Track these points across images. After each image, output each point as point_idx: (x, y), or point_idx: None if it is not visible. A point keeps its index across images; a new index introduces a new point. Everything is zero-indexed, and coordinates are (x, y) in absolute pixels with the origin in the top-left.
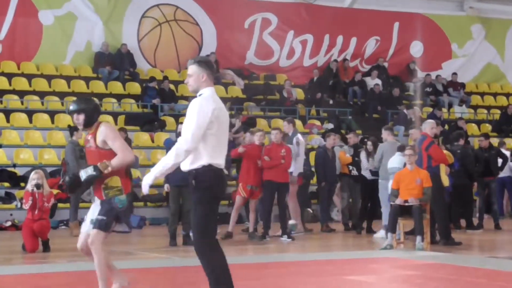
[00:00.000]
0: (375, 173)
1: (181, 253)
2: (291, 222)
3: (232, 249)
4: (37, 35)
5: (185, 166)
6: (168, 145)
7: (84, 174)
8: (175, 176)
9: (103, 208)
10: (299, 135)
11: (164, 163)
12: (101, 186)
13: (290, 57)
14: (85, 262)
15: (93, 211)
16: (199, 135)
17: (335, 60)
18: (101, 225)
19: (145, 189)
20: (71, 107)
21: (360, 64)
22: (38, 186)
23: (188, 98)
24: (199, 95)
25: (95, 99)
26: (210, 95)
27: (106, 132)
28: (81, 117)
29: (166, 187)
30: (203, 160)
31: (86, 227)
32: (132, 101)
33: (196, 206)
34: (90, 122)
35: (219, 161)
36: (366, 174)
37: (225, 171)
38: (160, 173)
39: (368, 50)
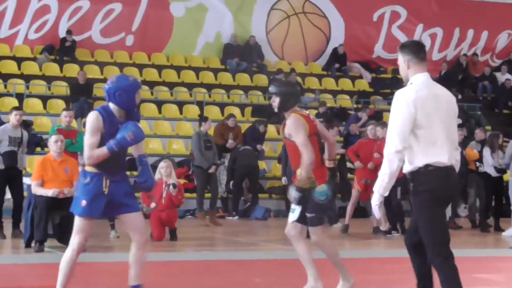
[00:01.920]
0: (500, 170)
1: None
2: None
3: (356, 243)
4: (168, 27)
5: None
6: None
7: (291, 198)
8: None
9: (309, 203)
10: None
11: (382, 175)
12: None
13: None
14: (211, 252)
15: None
16: (405, 132)
17: (465, 54)
18: (313, 222)
19: (377, 212)
20: (270, 89)
21: (490, 58)
22: (174, 185)
23: (315, 91)
24: (410, 84)
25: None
26: (418, 82)
27: (291, 127)
28: (276, 100)
29: (284, 180)
30: (418, 160)
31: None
32: (259, 93)
33: (420, 211)
34: (285, 107)
35: (440, 158)
36: (490, 171)
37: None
38: (382, 188)
39: (499, 44)
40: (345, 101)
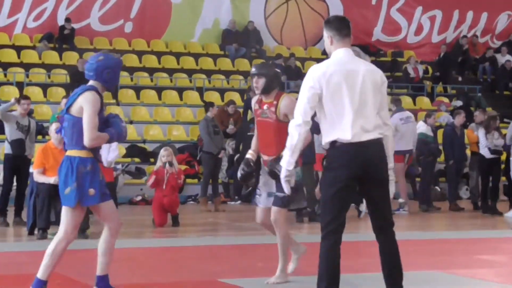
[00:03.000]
0: (495, 151)
1: (308, 229)
2: (400, 200)
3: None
4: (166, 14)
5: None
6: None
7: (279, 169)
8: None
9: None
10: (396, 115)
11: (286, 149)
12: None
13: (418, 34)
14: (213, 237)
15: (268, 183)
16: (306, 106)
17: (465, 36)
18: (284, 203)
19: (285, 187)
20: (253, 70)
21: (490, 40)
22: (170, 163)
23: None
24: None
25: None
26: (332, 58)
27: (290, 107)
28: (260, 81)
29: None
30: (326, 136)
31: (264, 201)
32: None
33: (321, 188)
34: (269, 89)
35: (343, 134)
36: (484, 152)
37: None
38: (286, 162)
39: (499, 26)
40: None
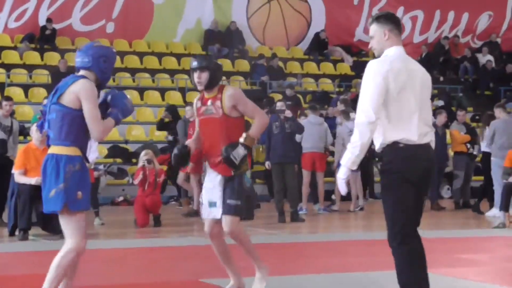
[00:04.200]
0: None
1: (290, 229)
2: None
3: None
4: (148, 14)
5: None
6: (273, 120)
7: (236, 155)
8: (276, 153)
9: (233, 191)
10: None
11: (351, 148)
12: None
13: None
14: (195, 237)
15: (212, 191)
16: (379, 102)
17: (446, 37)
18: (237, 211)
19: (342, 187)
20: (194, 63)
21: (472, 40)
22: (149, 161)
23: (297, 76)
24: (384, 56)
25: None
26: (393, 55)
27: (237, 96)
28: (204, 76)
29: (267, 164)
30: (387, 136)
31: (208, 212)
32: (241, 78)
33: (384, 192)
34: (213, 83)
35: (409, 135)
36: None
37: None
38: (351, 161)
39: (480, 26)
40: (327, 85)
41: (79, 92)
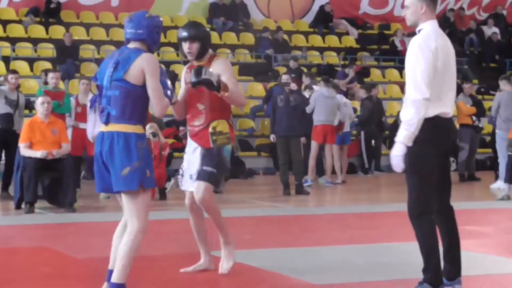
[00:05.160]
0: None
1: (294, 202)
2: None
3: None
4: None
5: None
6: (278, 92)
7: (209, 75)
8: (281, 126)
9: (211, 158)
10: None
11: (407, 125)
12: (207, 130)
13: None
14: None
15: (193, 163)
16: (431, 78)
17: (451, 9)
18: (211, 179)
19: (399, 164)
20: (184, 33)
21: (477, 12)
22: (154, 134)
23: (302, 49)
24: (418, 31)
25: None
26: (431, 30)
27: (225, 67)
28: (195, 46)
29: (272, 137)
30: (428, 111)
31: (189, 184)
32: (246, 51)
33: (414, 164)
34: (204, 53)
35: (446, 109)
36: None
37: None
38: (407, 137)
39: None
40: (332, 58)
41: (146, 67)
